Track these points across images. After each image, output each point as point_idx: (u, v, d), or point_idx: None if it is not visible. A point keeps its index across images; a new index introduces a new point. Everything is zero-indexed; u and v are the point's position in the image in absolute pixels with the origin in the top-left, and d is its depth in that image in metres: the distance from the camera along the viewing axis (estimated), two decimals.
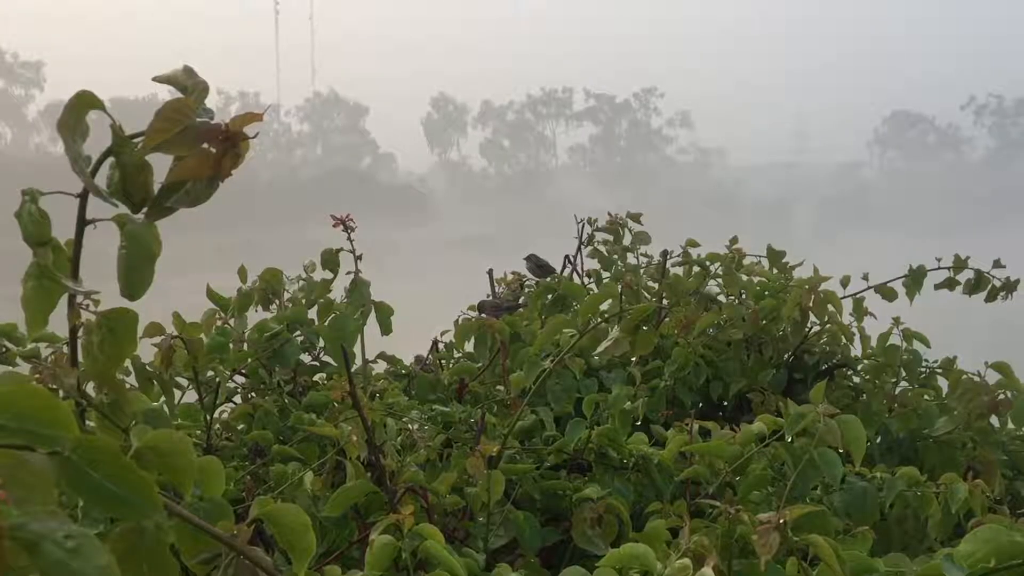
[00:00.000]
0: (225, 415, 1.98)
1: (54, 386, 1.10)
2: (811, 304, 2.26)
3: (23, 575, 0.58)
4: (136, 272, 0.96)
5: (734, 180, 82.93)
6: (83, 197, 0.96)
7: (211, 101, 0.91)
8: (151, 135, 0.82)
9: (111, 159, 0.91)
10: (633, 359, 2.18)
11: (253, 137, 0.84)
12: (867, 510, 1.62)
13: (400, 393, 1.92)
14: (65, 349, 1.67)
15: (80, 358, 1.10)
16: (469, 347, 2.37)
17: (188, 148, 0.82)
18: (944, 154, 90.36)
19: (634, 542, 1.15)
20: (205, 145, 0.84)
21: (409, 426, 1.68)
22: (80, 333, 1.09)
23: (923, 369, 2.36)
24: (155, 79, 0.90)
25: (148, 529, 0.73)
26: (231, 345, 2.07)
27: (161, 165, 0.91)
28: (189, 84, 0.87)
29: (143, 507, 0.69)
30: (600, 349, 1.60)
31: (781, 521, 1.10)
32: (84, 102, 0.90)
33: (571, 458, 1.78)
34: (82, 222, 0.98)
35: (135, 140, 0.87)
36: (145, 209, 0.90)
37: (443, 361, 2.46)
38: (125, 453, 0.73)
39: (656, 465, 1.69)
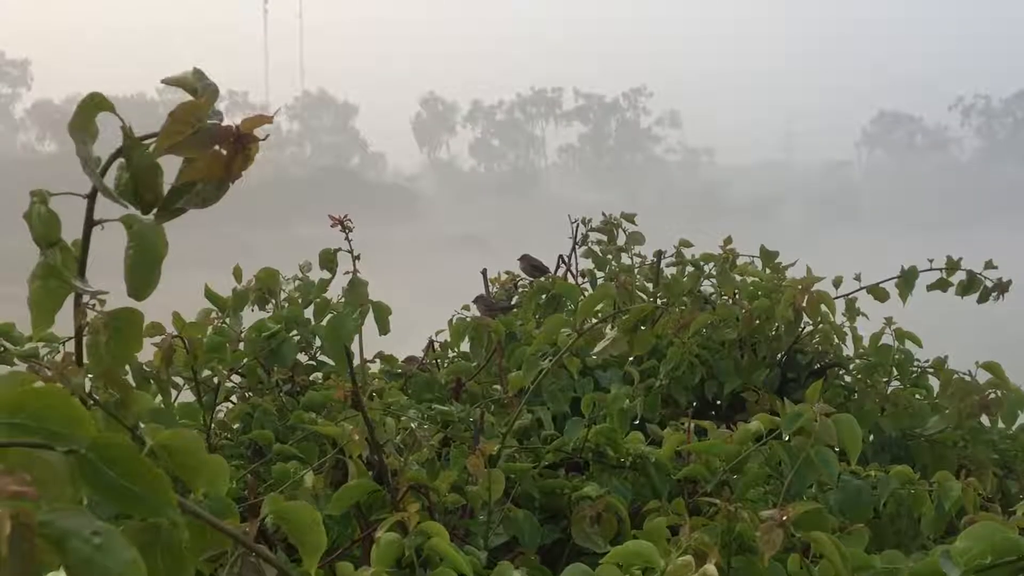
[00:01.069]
0: (221, 415, 1.98)
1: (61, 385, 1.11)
2: (804, 304, 2.28)
3: (44, 570, 0.58)
4: (142, 273, 0.97)
5: (723, 179, 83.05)
6: (91, 198, 0.97)
7: None
8: (164, 137, 0.83)
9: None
10: (629, 358, 2.20)
11: (263, 139, 0.85)
12: (861, 508, 1.63)
13: (399, 392, 1.93)
14: (64, 348, 1.68)
15: (85, 357, 1.11)
16: (464, 347, 2.38)
17: (200, 150, 0.83)
18: (932, 154, 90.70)
19: (635, 539, 1.16)
20: (216, 147, 0.85)
21: (411, 424, 1.69)
22: (85, 332, 1.09)
23: (915, 369, 2.38)
24: (165, 81, 0.91)
25: (163, 526, 0.74)
26: (227, 345, 2.08)
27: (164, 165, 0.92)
28: (199, 87, 0.88)
29: (158, 504, 0.70)
30: (598, 348, 1.62)
31: (784, 518, 1.12)
32: (94, 104, 0.91)
33: (568, 457, 1.79)
34: (90, 223, 0.98)
35: (146, 142, 0.88)
36: (155, 210, 0.91)
37: (438, 360, 2.47)
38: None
39: (654, 464, 1.70)
